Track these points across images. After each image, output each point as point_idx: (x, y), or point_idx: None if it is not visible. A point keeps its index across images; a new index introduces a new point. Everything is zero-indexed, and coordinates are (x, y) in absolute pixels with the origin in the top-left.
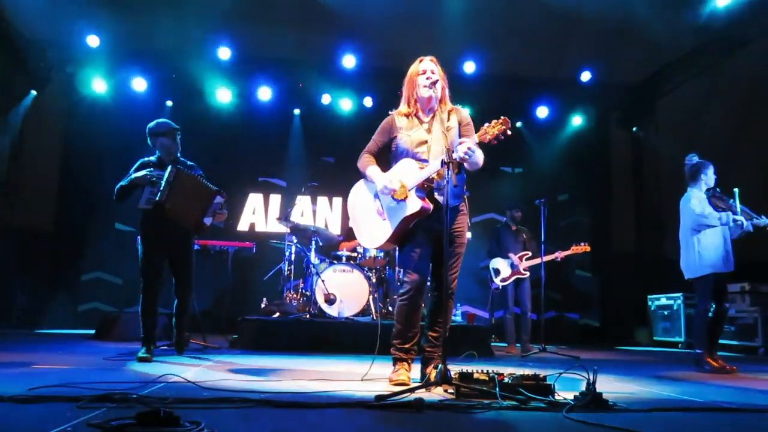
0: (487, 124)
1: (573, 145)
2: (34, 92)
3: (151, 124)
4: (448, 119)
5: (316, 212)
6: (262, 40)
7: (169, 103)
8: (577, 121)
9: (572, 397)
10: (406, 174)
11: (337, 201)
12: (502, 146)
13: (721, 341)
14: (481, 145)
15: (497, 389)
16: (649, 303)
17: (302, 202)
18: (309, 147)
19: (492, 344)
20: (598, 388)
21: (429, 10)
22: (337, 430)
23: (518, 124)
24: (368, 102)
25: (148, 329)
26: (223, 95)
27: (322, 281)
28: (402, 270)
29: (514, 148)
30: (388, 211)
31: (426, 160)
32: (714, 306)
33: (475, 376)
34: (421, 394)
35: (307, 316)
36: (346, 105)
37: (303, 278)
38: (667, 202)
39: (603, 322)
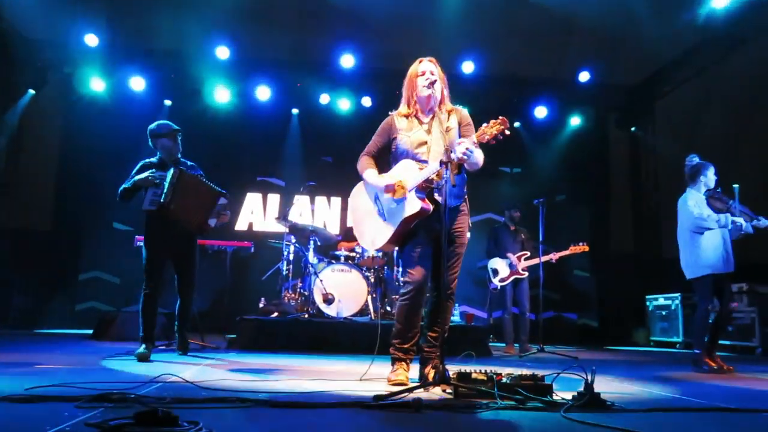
0: (485, 124)
1: (571, 145)
2: (31, 91)
3: (152, 125)
4: (448, 120)
5: (315, 212)
6: (260, 40)
7: (168, 102)
8: (575, 121)
9: (570, 397)
10: (406, 175)
11: (336, 201)
12: (500, 146)
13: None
14: (480, 145)
15: (495, 389)
16: (647, 303)
17: (300, 201)
18: (307, 147)
19: (490, 344)
20: (596, 388)
21: (427, 10)
22: (336, 430)
23: (516, 124)
24: (367, 102)
25: (147, 328)
26: (221, 95)
27: (321, 281)
28: (403, 270)
29: (513, 148)
30: (389, 213)
31: (426, 161)
32: (719, 306)
33: (474, 376)
34: (420, 394)
35: (306, 315)
36: (344, 105)
37: (301, 278)
38: (666, 203)
39: (601, 323)
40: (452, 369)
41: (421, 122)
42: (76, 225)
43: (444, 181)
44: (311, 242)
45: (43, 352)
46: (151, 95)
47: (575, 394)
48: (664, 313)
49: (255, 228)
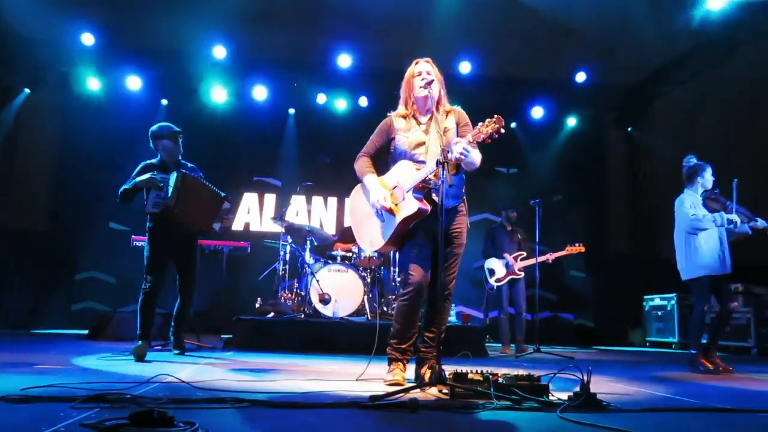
0: (480, 123)
1: (568, 145)
2: (27, 90)
3: (154, 127)
4: (446, 120)
5: (311, 212)
6: (257, 40)
7: (164, 102)
8: (572, 122)
9: (567, 398)
10: (404, 176)
11: (332, 201)
12: (497, 147)
13: None
14: (476, 144)
15: (492, 389)
16: (644, 303)
17: (297, 201)
18: (304, 147)
19: (486, 344)
20: (593, 388)
21: (424, 11)
22: (332, 430)
23: (513, 124)
24: (363, 102)
25: (145, 326)
26: (218, 94)
27: (317, 281)
28: (403, 271)
29: (510, 148)
30: (387, 214)
31: (423, 162)
32: (718, 307)
33: (470, 376)
34: (416, 394)
35: (302, 316)
36: (341, 105)
37: (298, 278)
38: (662, 203)
39: (597, 323)
40: (448, 369)
41: (419, 123)
42: (72, 225)
43: (440, 181)
44: (308, 242)
45: (39, 352)
46: (148, 95)
47: (571, 394)
48: (660, 313)
49: (251, 228)
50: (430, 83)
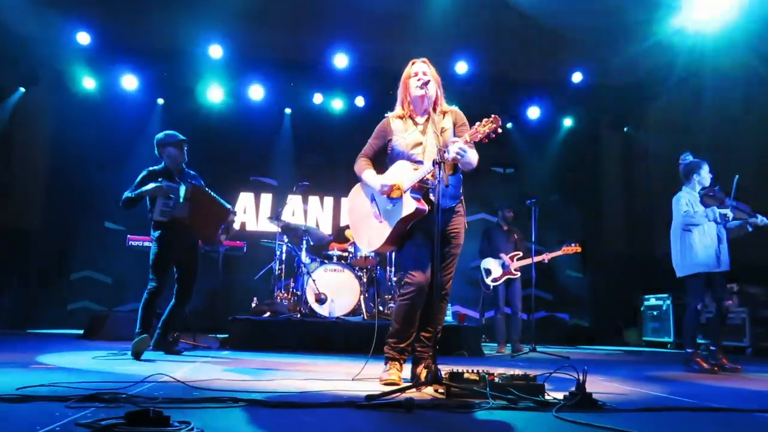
0: (478, 123)
1: (564, 145)
2: (22, 89)
3: (159, 134)
4: (443, 120)
5: (307, 212)
6: (253, 39)
7: (160, 101)
8: (568, 122)
9: (562, 397)
10: (402, 176)
11: (328, 200)
12: (493, 146)
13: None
14: (473, 144)
15: (487, 389)
16: (643, 302)
17: (293, 201)
18: (300, 146)
19: (482, 344)
20: (588, 388)
21: (420, 11)
22: (328, 429)
23: (509, 125)
24: (360, 102)
25: (145, 324)
26: (214, 94)
27: (313, 281)
28: (403, 270)
29: (506, 148)
30: (385, 214)
31: (421, 162)
32: (715, 305)
33: (466, 375)
34: (412, 393)
35: (298, 315)
36: (337, 104)
37: (294, 278)
38: (658, 203)
39: (593, 323)
40: (444, 369)
41: (416, 123)
42: (68, 224)
43: (437, 181)
44: (304, 242)
45: (34, 351)
46: (144, 94)
47: (567, 393)
48: (655, 313)
49: (248, 227)
50: (426, 83)
